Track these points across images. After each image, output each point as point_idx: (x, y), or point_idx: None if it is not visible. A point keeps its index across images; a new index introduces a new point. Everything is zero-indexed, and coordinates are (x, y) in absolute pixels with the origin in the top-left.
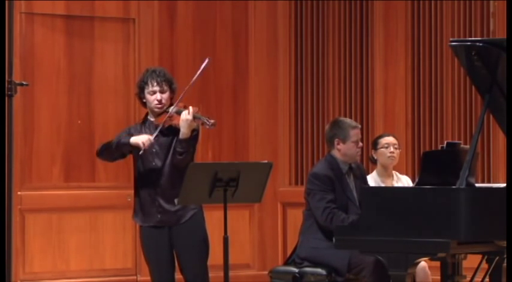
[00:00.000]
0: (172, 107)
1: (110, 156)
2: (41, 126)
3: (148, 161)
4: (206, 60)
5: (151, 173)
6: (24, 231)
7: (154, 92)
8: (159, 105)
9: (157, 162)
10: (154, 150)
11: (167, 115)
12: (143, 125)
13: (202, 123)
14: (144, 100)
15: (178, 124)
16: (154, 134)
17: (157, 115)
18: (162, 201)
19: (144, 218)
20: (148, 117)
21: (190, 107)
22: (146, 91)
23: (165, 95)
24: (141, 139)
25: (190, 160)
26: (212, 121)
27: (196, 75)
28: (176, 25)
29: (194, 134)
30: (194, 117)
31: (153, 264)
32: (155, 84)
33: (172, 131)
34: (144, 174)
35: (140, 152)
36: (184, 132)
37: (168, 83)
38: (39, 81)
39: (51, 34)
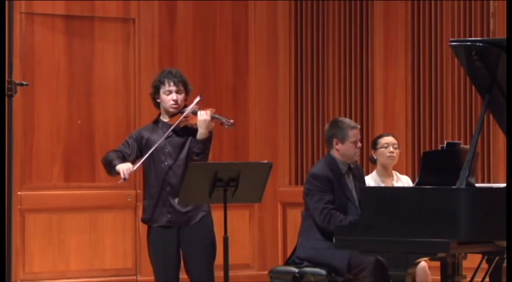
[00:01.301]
0: (187, 108)
1: (108, 173)
2: (41, 126)
3: (160, 161)
4: (198, 98)
5: (163, 173)
6: (24, 231)
7: (170, 92)
8: (175, 106)
9: (170, 162)
10: (167, 150)
11: (183, 115)
12: (156, 126)
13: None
14: (159, 100)
15: (195, 124)
16: (165, 135)
17: (171, 115)
18: (173, 202)
19: (154, 218)
20: (161, 117)
21: (208, 110)
22: (162, 91)
23: (181, 96)
24: (123, 168)
25: (206, 161)
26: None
27: (188, 109)
28: (176, 25)
29: (209, 135)
30: (212, 118)
31: (159, 264)
32: (172, 84)
33: (186, 131)
34: (155, 174)
35: (120, 181)
36: (202, 132)
37: (184, 84)
38: (39, 81)
39: (51, 34)
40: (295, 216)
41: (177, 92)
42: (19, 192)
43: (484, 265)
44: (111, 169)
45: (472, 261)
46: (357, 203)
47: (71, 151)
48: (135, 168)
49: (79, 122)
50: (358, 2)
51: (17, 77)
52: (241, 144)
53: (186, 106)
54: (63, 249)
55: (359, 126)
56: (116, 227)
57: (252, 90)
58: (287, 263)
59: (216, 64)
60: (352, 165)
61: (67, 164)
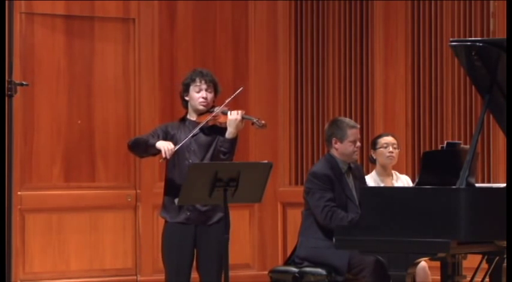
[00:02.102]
0: (216, 108)
1: (139, 153)
2: (41, 126)
3: (184, 158)
4: (240, 89)
5: (186, 171)
6: (24, 231)
7: (200, 89)
8: (204, 103)
9: (194, 160)
10: (192, 148)
11: (212, 114)
12: (182, 123)
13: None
14: (187, 98)
15: (224, 123)
16: (195, 131)
17: (199, 114)
18: None
19: (172, 214)
20: (188, 116)
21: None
22: (192, 88)
23: (210, 95)
24: (165, 146)
25: (231, 161)
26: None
27: (228, 100)
28: (176, 25)
29: (235, 142)
30: (243, 118)
31: (173, 261)
32: (203, 82)
33: (214, 130)
34: (178, 171)
35: (160, 160)
36: (232, 131)
37: (214, 85)
38: (39, 81)
39: (51, 34)
40: (295, 216)
41: (207, 90)
42: (19, 192)
43: (484, 265)
44: (147, 148)
45: (472, 261)
46: (357, 202)
47: (71, 151)
48: (175, 148)
49: (79, 122)
50: (358, 2)
51: (17, 77)
52: (241, 144)
53: (214, 106)
54: (63, 249)
55: (358, 126)
56: (116, 227)
57: (252, 90)
58: (287, 262)
59: (216, 64)
60: (352, 165)
61: (67, 164)
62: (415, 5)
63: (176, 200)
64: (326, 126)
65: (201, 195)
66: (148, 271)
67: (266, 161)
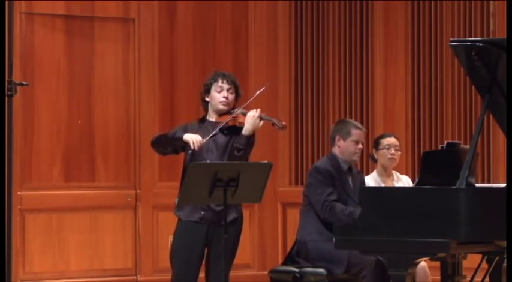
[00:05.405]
0: (236, 109)
1: (163, 148)
2: (41, 126)
3: (202, 158)
4: (263, 88)
5: None
6: (24, 231)
7: (222, 89)
8: (225, 102)
9: (212, 160)
10: (210, 148)
11: (231, 115)
12: (201, 124)
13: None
14: (208, 99)
15: (242, 123)
16: (214, 132)
17: (219, 115)
18: None
19: (187, 213)
20: (208, 117)
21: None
22: (213, 88)
23: (232, 96)
24: (193, 138)
25: (246, 160)
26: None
27: (251, 98)
28: (176, 25)
29: (251, 141)
30: (262, 118)
31: (182, 260)
32: (225, 82)
33: (233, 130)
34: None
35: (189, 151)
36: (248, 128)
37: (236, 87)
38: (39, 81)
39: (51, 34)
40: (295, 216)
41: (228, 91)
42: (19, 192)
43: (484, 265)
44: (174, 140)
45: (472, 261)
46: (357, 200)
47: (71, 151)
48: (203, 141)
49: (79, 122)
50: (358, 2)
51: (17, 77)
52: None
53: (234, 107)
54: (63, 249)
55: (364, 129)
56: (116, 227)
57: (252, 90)
58: (287, 260)
59: (216, 64)
60: (353, 169)
61: (67, 164)
62: (415, 5)
63: (176, 200)
64: (333, 125)
65: (201, 195)
66: (148, 271)
67: (266, 161)
